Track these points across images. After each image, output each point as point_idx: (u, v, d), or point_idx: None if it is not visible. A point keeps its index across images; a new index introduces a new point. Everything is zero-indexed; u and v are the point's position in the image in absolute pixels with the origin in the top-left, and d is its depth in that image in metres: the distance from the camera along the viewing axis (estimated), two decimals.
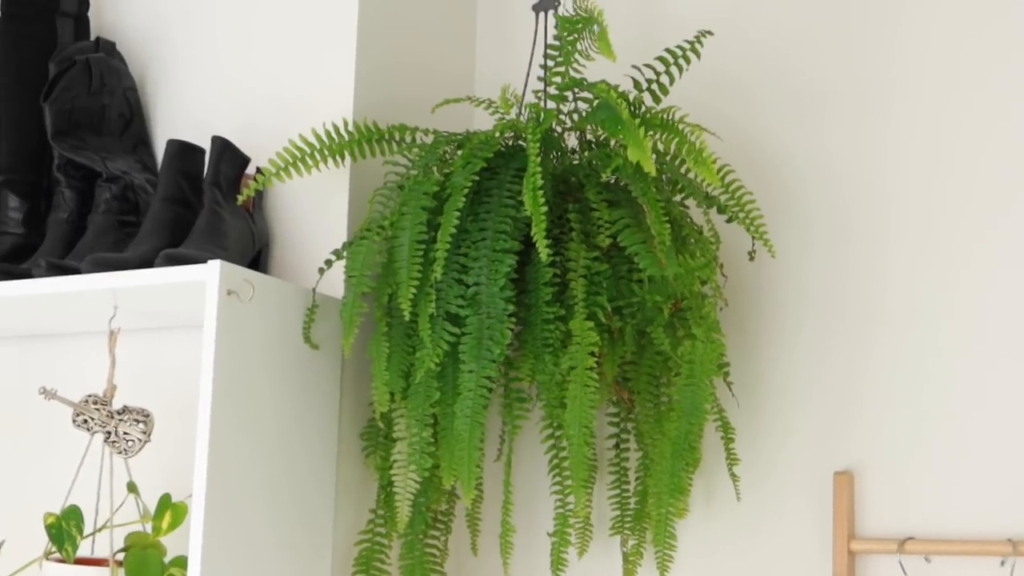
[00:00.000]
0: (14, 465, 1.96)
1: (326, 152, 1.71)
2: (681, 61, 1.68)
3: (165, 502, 1.62)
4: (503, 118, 1.73)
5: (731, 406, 1.79)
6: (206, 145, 1.81)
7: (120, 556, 1.62)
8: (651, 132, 1.59)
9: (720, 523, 1.80)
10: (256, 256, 1.78)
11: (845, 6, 1.84)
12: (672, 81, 1.69)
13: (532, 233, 1.52)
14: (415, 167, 1.68)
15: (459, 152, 1.67)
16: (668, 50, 1.68)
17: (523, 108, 1.75)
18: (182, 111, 1.94)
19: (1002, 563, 1.63)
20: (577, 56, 1.70)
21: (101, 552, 1.68)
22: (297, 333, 1.67)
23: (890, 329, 1.74)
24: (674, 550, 1.69)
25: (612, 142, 1.69)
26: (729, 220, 1.71)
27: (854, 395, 1.75)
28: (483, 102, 1.79)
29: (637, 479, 1.76)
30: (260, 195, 1.81)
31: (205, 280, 1.55)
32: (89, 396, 1.66)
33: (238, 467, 1.55)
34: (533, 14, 1.84)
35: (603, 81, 1.62)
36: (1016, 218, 1.69)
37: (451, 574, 1.87)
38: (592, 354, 1.56)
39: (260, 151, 1.83)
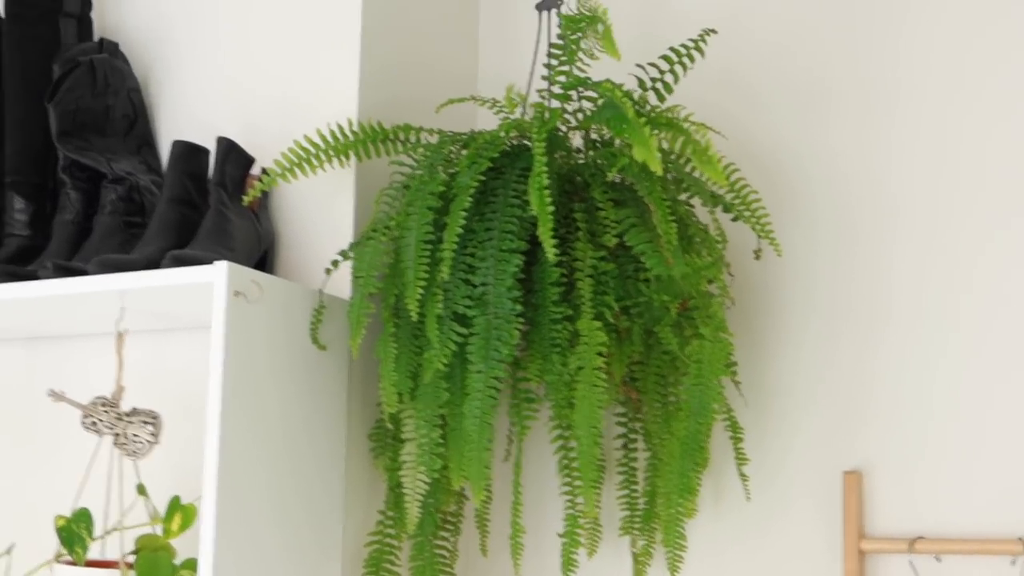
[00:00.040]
0: (21, 467, 1.96)
1: (331, 152, 1.71)
2: (685, 60, 1.68)
3: (175, 504, 1.62)
4: (508, 118, 1.73)
5: (739, 405, 1.79)
6: (210, 146, 1.80)
7: (130, 558, 1.62)
8: (656, 131, 1.58)
9: (729, 523, 1.80)
10: (262, 257, 1.78)
11: (850, 4, 1.84)
12: (676, 80, 1.68)
13: (538, 233, 1.52)
14: (420, 167, 1.67)
15: (464, 152, 1.67)
16: (672, 48, 1.68)
17: (527, 107, 1.75)
18: (186, 112, 1.94)
19: (1013, 562, 1.63)
20: (581, 55, 1.70)
21: (111, 555, 1.68)
22: (304, 334, 1.67)
23: (898, 327, 1.74)
24: (684, 550, 1.69)
25: (617, 141, 1.69)
26: (735, 219, 1.71)
27: (862, 394, 1.75)
28: (487, 102, 1.79)
29: (645, 479, 1.76)
30: (265, 196, 1.81)
31: (212, 281, 1.55)
32: (97, 398, 1.66)
33: (247, 469, 1.55)
34: (535, 13, 1.83)
35: (608, 80, 1.62)
36: None
37: (460, 575, 1.87)
38: (600, 354, 1.55)
39: (264, 152, 1.83)
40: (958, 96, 1.75)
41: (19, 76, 1.90)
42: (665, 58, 1.68)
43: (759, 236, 1.70)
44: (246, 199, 1.70)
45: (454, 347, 1.57)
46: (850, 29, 1.83)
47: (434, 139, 1.74)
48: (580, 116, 1.71)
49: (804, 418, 1.77)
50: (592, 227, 1.62)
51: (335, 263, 1.69)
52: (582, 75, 1.68)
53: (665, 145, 1.65)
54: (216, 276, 1.55)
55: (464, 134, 1.71)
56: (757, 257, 1.77)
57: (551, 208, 1.51)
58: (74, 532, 1.62)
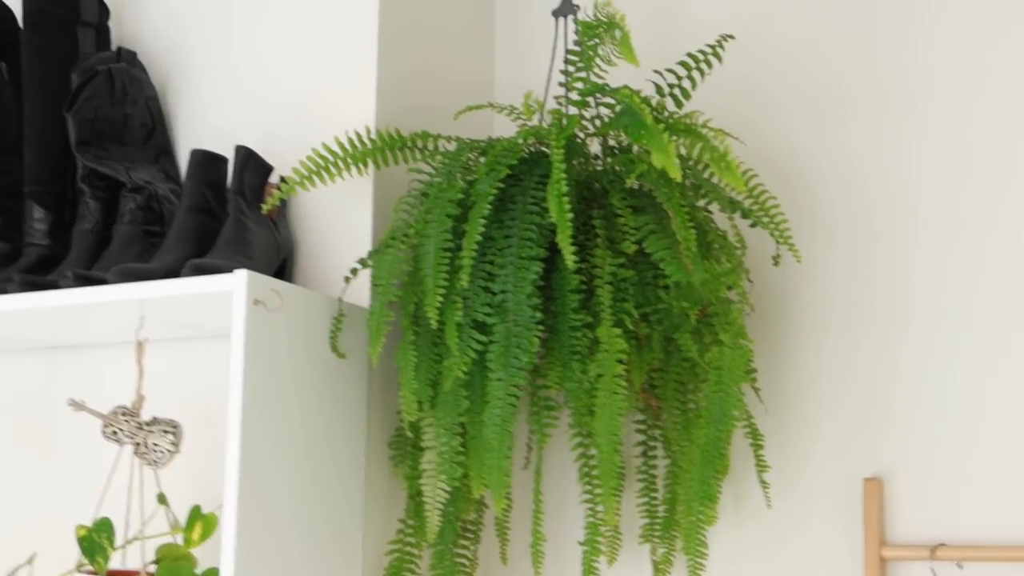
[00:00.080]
0: (41, 477, 1.96)
1: (349, 160, 1.71)
2: (703, 65, 1.68)
3: (196, 513, 1.62)
4: (525, 124, 1.73)
5: (759, 412, 1.78)
6: (228, 154, 1.81)
7: (152, 568, 1.62)
8: (675, 137, 1.58)
9: (749, 530, 1.79)
10: (281, 265, 1.78)
11: (868, 8, 1.83)
12: (694, 85, 1.68)
13: (558, 240, 1.52)
14: (439, 175, 1.67)
15: (482, 159, 1.66)
16: (690, 54, 1.68)
17: (545, 114, 1.74)
18: (203, 120, 1.94)
19: None
20: (598, 61, 1.70)
21: (132, 564, 1.68)
22: (323, 342, 1.67)
23: (918, 332, 1.73)
24: (705, 558, 1.68)
25: (635, 147, 1.69)
26: (753, 225, 1.71)
27: (883, 399, 1.74)
28: (505, 108, 1.79)
29: (665, 486, 1.75)
30: (284, 204, 1.81)
31: (232, 290, 1.55)
32: (118, 407, 1.66)
33: (268, 477, 1.55)
34: (551, 20, 1.83)
35: (626, 86, 1.62)
36: None
37: None
38: (620, 361, 1.55)
39: (282, 160, 1.83)
40: (981, 97, 1.75)
41: (37, 86, 1.90)
42: (683, 64, 1.68)
43: (778, 242, 1.70)
44: (265, 207, 1.71)
45: (474, 355, 1.57)
46: (868, 32, 1.83)
47: (452, 146, 1.74)
48: (597, 122, 1.71)
49: (824, 424, 1.77)
50: (611, 234, 1.62)
51: (354, 271, 1.69)
52: (599, 81, 1.68)
53: (683, 151, 1.64)
54: (236, 285, 1.55)
55: (482, 141, 1.71)
56: (776, 263, 1.76)
57: (570, 215, 1.51)
58: (95, 542, 1.62)
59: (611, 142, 1.73)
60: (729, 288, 1.65)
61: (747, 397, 1.75)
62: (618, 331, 1.56)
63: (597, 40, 1.69)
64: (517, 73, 2.05)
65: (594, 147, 1.73)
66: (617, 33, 1.62)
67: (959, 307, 1.72)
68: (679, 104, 1.68)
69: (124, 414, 1.66)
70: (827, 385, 1.78)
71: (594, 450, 1.64)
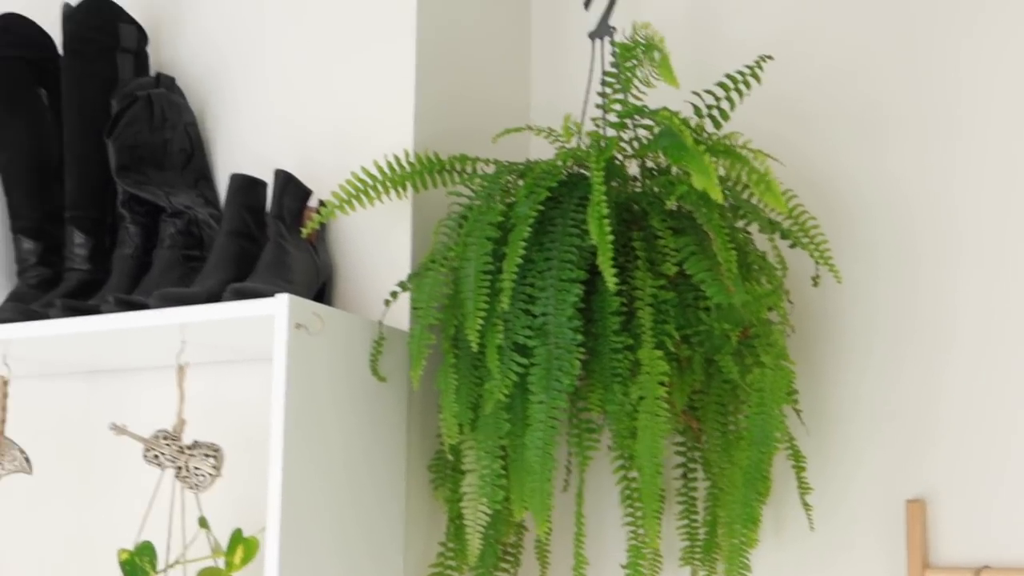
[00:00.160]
0: (81, 501, 1.97)
1: (388, 184, 1.72)
2: (742, 86, 1.68)
3: (237, 537, 1.62)
4: (563, 147, 1.73)
5: (800, 434, 1.77)
6: (267, 179, 1.81)
7: None
8: (715, 159, 1.58)
9: (791, 553, 1.78)
10: (320, 289, 1.78)
11: (910, 27, 1.82)
12: (733, 107, 1.68)
13: (598, 262, 1.52)
14: (478, 197, 1.67)
15: (521, 182, 1.67)
16: (729, 75, 1.67)
17: (583, 136, 1.75)
18: (242, 145, 1.95)
19: None
20: (636, 83, 1.70)
21: None
22: (364, 366, 1.67)
23: (961, 352, 1.72)
24: None
25: (674, 169, 1.68)
26: (792, 246, 1.70)
27: (925, 421, 1.73)
28: (543, 131, 1.79)
29: (705, 509, 1.74)
30: (323, 228, 1.81)
31: (274, 314, 1.56)
32: (159, 431, 1.66)
33: (310, 500, 1.55)
34: (586, 43, 1.84)
35: (665, 108, 1.62)
36: None
37: None
38: (662, 383, 1.55)
39: (321, 184, 1.83)
40: None
41: (77, 112, 1.92)
42: (721, 85, 1.67)
43: (818, 262, 1.69)
44: (305, 231, 1.71)
45: (515, 377, 1.57)
46: (909, 51, 1.82)
47: (490, 169, 1.74)
48: (635, 144, 1.71)
49: (866, 446, 1.76)
50: (651, 255, 1.62)
51: (394, 294, 1.69)
52: (638, 103, 1.68)
53: (722, 172, 1.64)
54: (278, 309, 1.55)
55: (520, 164, 1.71)
56: (815, 283, 1.75)
57: (611, 237, 1.51)
58: (137, 565, 1.63)
59: (649, 163, 1.73)
60: (770, 309, 1.64)
61: (788, 419, 1.74)
62: (659, 353, 1.56)
63: (635, 62, 1.69)
64: (552, 96, 2.06)
65: (632, 169, 1.73)
66: (656, 55, 1.62)
67: (1003, 327, 1.71)
68: (717, 125, 1.68)
69: (165, 438, 1.66)
70: (869, 406, 1.76)
71: (635, 472, 1.63)
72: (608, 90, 1.70)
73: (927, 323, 1.75)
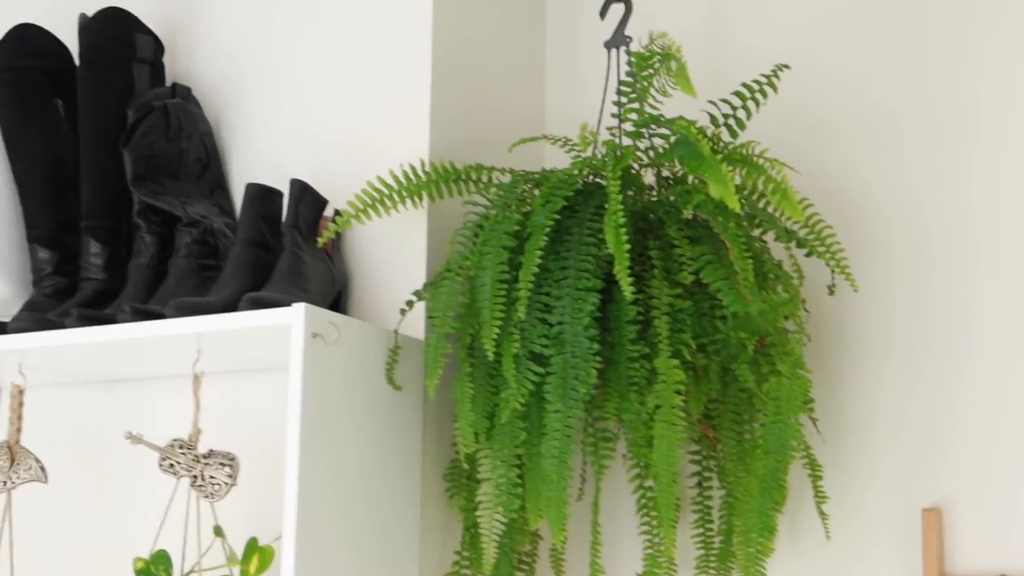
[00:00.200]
0: (96, 510, 1.97)
1: (404, 193, 1.72)
2: (758, 95, 1.68)
3: (252, 546, 1.62)
4: (579, 156, 1.73)
5: (816, 442, 1.77)
6: (282, 188, 1.82)
7: None
8: (732, 168, 1.58)
9: (806, 562, 1.77)
10: (336, 298, 1.79)
11: (927, 35, 1.82)
12: (749, 116, 1.68)
13: (615, 271, 1.52)
14: (494, 207, 1.68)
15: (537, 191, 1.67)
16: (745, 84, 1.68)
17: (598, 145, 1.75)
18: (257, 155, 1.96)
19: None
20: (652, 92, 1.70)
21: None
22: (379, 375, 1.67)
23: (979, 360, 1.72)
24: None
25: (690, 178, 1.69)
26: (808, 254, 1.70)
27: (942, 429, 1.72)
28: (559, 140, 1.79)
29: (721, 517, 1.74)
30: (338, 237, 1.82)
31: (290, 323, 1.56)
32: (175, 440, 1.67)
33: (325, 509, 1.55)
34: (601, 52, 1.83)
35: (681, 117, 1.62)
36: None
37: None
38: (678, 392, 1.55)
39: (336, 193, 1.83)
40: None
41: (93, 122, 1.92)
42: (737, 94, 1.68)
43: (834, 271, 1.69)
44: (320, 240, 1.71)
45: (531, 386, 1.56)
46: (925, 58, 1.82)
47: (506, 178, 1.74)
48: (651, 153, 1.71)
49: (883, 454, 1.75)
50: (667, 264, 1.62)
51: (410, 303, 1.69)
52: (654, 112, 1.68)
53: (738, 180, 1.64)
54: (294, 318, 1.55)
55: (536, 173, 1.71)
56: (832, 292, 1.75)
57: (628, 246, 1.51)
58: (152, 574, 1.63)
59: (665, 172, 1.73)
60: (786, 318, 1.64)
61: (805, 427, 1.74)
62: (676, 362, 1.56)
63: (651, 71, 1.69)
64: (567, 105, 2.06)
65: (648, 178, 1.73)
66: (674, 64, 1.62)
67: (1020, 336, 1.70)
68: (734, 134, 1.68)
69: (181, 447, 1.67)
70: (885, 415, 1.76)
71: (651, 481, 1.63)
72: (624, 99, 1.71)
73: (944, 332, 1.75)
